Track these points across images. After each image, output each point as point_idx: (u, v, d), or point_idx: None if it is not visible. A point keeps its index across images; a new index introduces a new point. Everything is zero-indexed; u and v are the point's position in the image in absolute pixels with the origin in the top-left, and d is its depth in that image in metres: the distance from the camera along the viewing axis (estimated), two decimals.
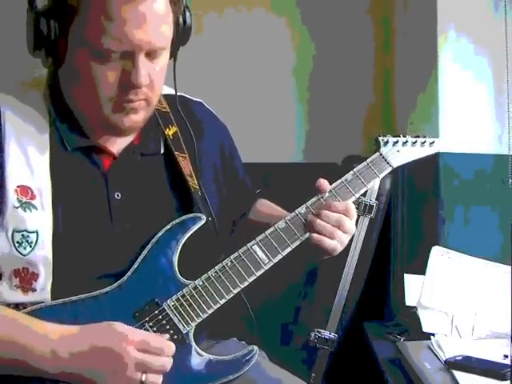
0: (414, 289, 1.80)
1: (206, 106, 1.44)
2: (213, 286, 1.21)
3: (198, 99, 1.44)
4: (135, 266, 1.21)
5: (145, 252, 1.22)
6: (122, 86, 1.16)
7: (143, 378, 1.12)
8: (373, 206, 2.00)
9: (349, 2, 2.37)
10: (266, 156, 2.21)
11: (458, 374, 1.41)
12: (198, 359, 1.20)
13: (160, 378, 1.14)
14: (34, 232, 1.16)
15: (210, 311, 1.21)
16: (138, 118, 1.21)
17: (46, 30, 1.15)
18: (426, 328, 1.70)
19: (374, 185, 2.02)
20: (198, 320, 1.20)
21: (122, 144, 1.26)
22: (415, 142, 1.39)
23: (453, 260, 1.78)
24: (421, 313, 1.72)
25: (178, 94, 1.34)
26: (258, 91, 2.37)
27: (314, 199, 1.29)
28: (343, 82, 2.35)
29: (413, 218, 2.00)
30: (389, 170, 1.36)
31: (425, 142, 1.40)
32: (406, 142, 1.38)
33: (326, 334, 1.97)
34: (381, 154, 1.35)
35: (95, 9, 1.12)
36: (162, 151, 1.30)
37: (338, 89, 2.35)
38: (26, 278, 1.16)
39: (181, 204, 1.28)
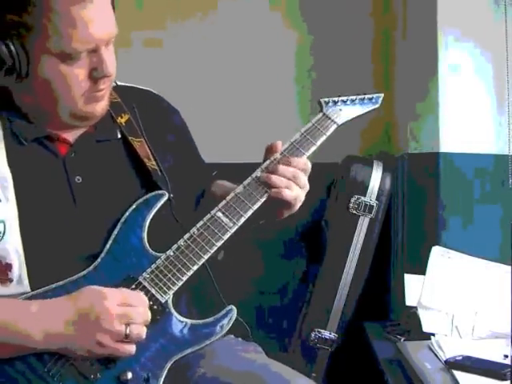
0: (414, 289, 1.80)
1: (155, 92, 1.50)
2: (184, 254, 1.25)
3: (147, 88, 1.49)
4: (107, 246, 1.25)
5: (115, 232, 1.26)
6: (93, 79, 1.23)
7: (127, 331, 1.16)
8: (373, 205, 2.00)
9: (349, 5, 2.37)
10: None
11: (458, 374, 1.41)
12: (180, 325, 1.23)
13: (144, 330, 1.18)
14: (0, 222, 1.20)
15: (184, 278, 1.24)
16: (106, 102, 1.30)
17: (6, 53, 1.18)
18: (426, 328, 1.70)
19: (374, 185, 2.03)
20: (175, 288, 1.24)
21: (76, 133, 1.32)
22: (355, 99, 1.47)
23: (453, 260, 1.78)
24: (421, 313, 1.72)
25: (130, 85, 1.43)
26: (257, 91, 2.37)
27: (267, 162, 1.36)
28: (344, 82, 2.35)
29: (413, 218, 2.00)
30: (334, 127, 1.43)
31: (364, 98, 1.48)
32: (346, 100, 1.46)
33: (326, 333, 1.97)
34: (324, 114, 1.44)
35: (51, 19, 1.17)
36: (119, 137, 1.36)
37: (339, 89, 2.35)
38: (0, 270, 1.19)
39: (143, 184, 1.34)
